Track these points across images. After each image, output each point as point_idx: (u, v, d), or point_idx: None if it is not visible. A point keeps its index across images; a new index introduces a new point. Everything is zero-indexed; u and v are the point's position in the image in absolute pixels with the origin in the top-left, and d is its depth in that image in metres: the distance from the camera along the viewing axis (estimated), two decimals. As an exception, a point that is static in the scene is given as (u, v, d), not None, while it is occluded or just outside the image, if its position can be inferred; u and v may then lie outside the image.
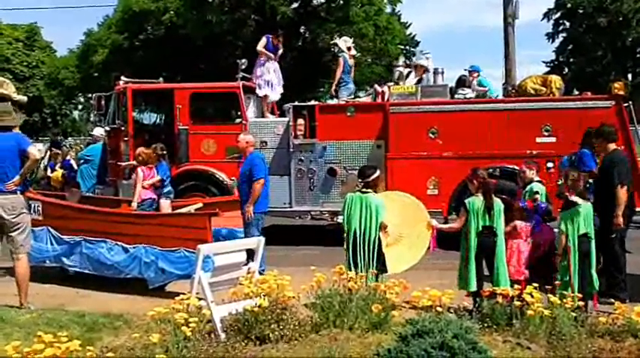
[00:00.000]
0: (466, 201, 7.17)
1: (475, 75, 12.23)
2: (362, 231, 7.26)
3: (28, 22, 44.16)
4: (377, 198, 7.41)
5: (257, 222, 8.83)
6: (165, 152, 10.25)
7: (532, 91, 11.31)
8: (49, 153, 14.54)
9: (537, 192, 8.52)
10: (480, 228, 6.98)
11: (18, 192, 7.06)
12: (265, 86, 11.98)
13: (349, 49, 12.27)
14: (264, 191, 8.87)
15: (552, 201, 9.11)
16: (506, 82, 16.55)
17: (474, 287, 6.89)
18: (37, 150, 8.20)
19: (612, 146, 8.15)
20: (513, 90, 12.22)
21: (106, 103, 12.64)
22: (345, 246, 7.40)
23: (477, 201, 7.05)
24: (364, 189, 7.40)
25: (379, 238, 7.29)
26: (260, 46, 12.11)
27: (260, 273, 8.17)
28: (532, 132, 10.73)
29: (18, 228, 7.08)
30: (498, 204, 7.08)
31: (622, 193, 7.56)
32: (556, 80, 11.46)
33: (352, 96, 12.25)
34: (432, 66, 12.45)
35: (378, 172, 7.58)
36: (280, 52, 12.35)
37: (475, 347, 4.42)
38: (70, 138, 28.92)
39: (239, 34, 24.64)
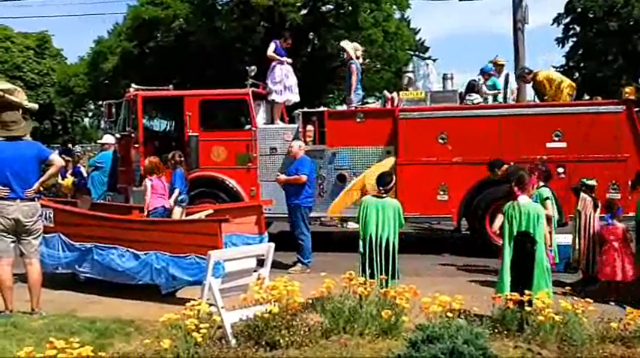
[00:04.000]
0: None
1: (486, 77, 12.26)
2: (377, 236, 7.29)
3: (39, 31, 44.53)
4: (394, 202, 7.47)
5: (304, 216, 10.16)
6: (182, 159, 10.30)
7: (543, 84, 11.32)
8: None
9: (548, 198, 8.57)
10: (515, 233, 6.87)
11: (36, 198, 7.22)
12: (286, 91, 12.05)
13: (358, 57, 12.26)
14: (309, 191, 10.22)
15: (562, 205, 9.14)
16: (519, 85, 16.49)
17: (506, 290, 6.71)
18: (60, 157, 8.33)
19: None
20: (527, 72, 12.16)
21: (116, 111, 12.70)
22: (360, 251, 7.44)
23: (508, 205, 6.99)
24: (380, 194, 7.45)
25: (394, 244, 7.32)
26: (270, 51, 12.15)
27: None
28: (542, 137, 10.69)
29: (35, 234, 7.21)
30: (535, 209, 6.93)
31: None
32: (570, 86, 11.44)
33: (361, 103, 12.26)
34: (435, 72, 12.51)
35: (394, 178, 7.69)
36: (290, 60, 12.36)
37: (485, 352, 4.41)
38: (78, 146, 29.00)
39: (248, 41, 24.72)
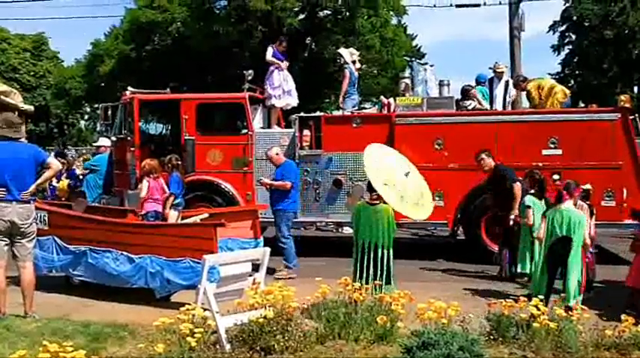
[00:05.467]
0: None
1: (480, 84, 12.28)
2: (371, 241, 7.30)
3: (36, 32, 44.46)
4: (387, 207, 7.47)
5: (287, 220, 9.99)
6: (179, 162, 10.24)
7: (532, 95, 11.35)
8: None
9: (529, 206, 8.68)
10: (552, 237, 7.25)
11: (31, 201, 7.18)
12: (285, 95, 12.07)
13: (354, 62, 12.28)
14: (293, 195, 10.07)
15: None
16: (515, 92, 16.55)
17: (542, 292, 7.02)
18: (57, 160, 8.30)
19: None
20: (522, 79, 12.21)
21: (112, 113, 12.66)
22: (353, 257, 7.44)
23: (551, 210, 7.46)
24: (373, 201, 7.46)
25: (388, 249, 7.33)
26: (269, 56, 12.15)
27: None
28: (538, 144, 10.71)
29: (29, 236, 7.18)
30: (577, 216, 7.24)
31: None
32: (561, 91, 11.45)
33: (356, 108, 12.27)
34: (434, 77, 12.51)
35: None
36: (287, 63, 12.37)
37: (481, 359, 4.40)
38: (72, 149, 28.88)
39: (245, 45, 24.66)
